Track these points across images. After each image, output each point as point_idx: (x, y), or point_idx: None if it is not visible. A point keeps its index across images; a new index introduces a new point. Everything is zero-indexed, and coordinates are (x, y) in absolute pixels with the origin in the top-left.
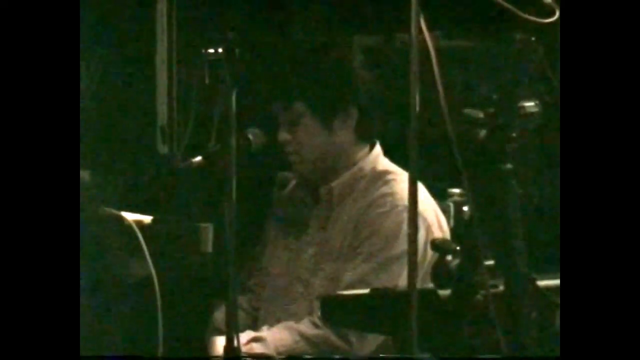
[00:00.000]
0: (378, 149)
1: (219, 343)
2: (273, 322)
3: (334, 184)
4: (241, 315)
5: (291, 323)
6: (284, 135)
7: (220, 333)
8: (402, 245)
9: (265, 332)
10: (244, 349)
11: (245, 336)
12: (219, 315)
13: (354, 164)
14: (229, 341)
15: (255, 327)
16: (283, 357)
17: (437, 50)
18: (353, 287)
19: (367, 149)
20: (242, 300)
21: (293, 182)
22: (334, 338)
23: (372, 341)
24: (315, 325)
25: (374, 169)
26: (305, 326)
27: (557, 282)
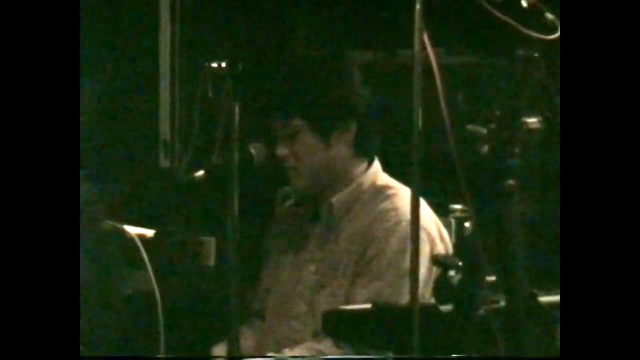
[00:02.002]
0: (377, 164)
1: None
2: (278, 341)
3: (333, 199)
4: (248, 339)
5: (310, 343)
6: (281, 150)
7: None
8: (407, 260)
9: (287, 352)
10: None
11: None
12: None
13: (353, 179)
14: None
15: (263, 348)
16: (284, 356)
17: (440, 67)
18: (361, 302)
19: (365, 164)
20: (248, 327)
21: (293, 198)
22: (356, 357)
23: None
24: (337, 346)
25: (373, 184)
26: (326, 344)
27: (559, 298)
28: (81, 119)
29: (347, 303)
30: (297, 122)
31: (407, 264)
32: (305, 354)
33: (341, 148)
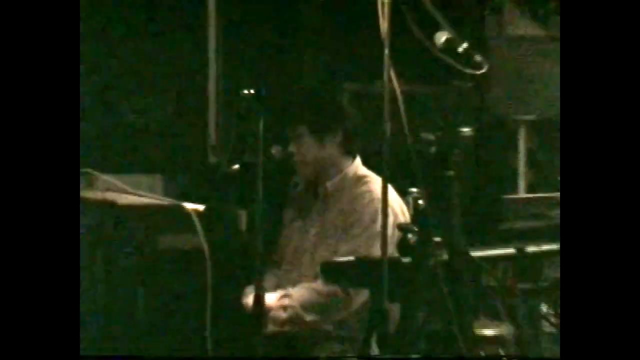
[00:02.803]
0: (358, 160)
1: (251, 301)
2: (289, 284)
3: (328, 184)
4: (269, 282)
5: (309, 283)
6: (291, 148)
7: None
8: (378, 227)
9: (290, 290)
10: (277, 302)
11: (277, 294)
12: (247, 295)
13: (342, 170)
14: (258, 298)
15: (280, 287)
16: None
17: (402, 93)
18: (347, 255)
19: (351, 160)
20: (269, 273)
21: (301, 185)
22: (339, 292)
23: (365, 293)
24: (326, 284)
25: (355, 174)
26: (319, 284)
27: (484, 253)
28: (152, 129)
29: (336, 255)
30: (302, 130)
31: (376, 229)
32: (303, 292)
33: (331, 148)
